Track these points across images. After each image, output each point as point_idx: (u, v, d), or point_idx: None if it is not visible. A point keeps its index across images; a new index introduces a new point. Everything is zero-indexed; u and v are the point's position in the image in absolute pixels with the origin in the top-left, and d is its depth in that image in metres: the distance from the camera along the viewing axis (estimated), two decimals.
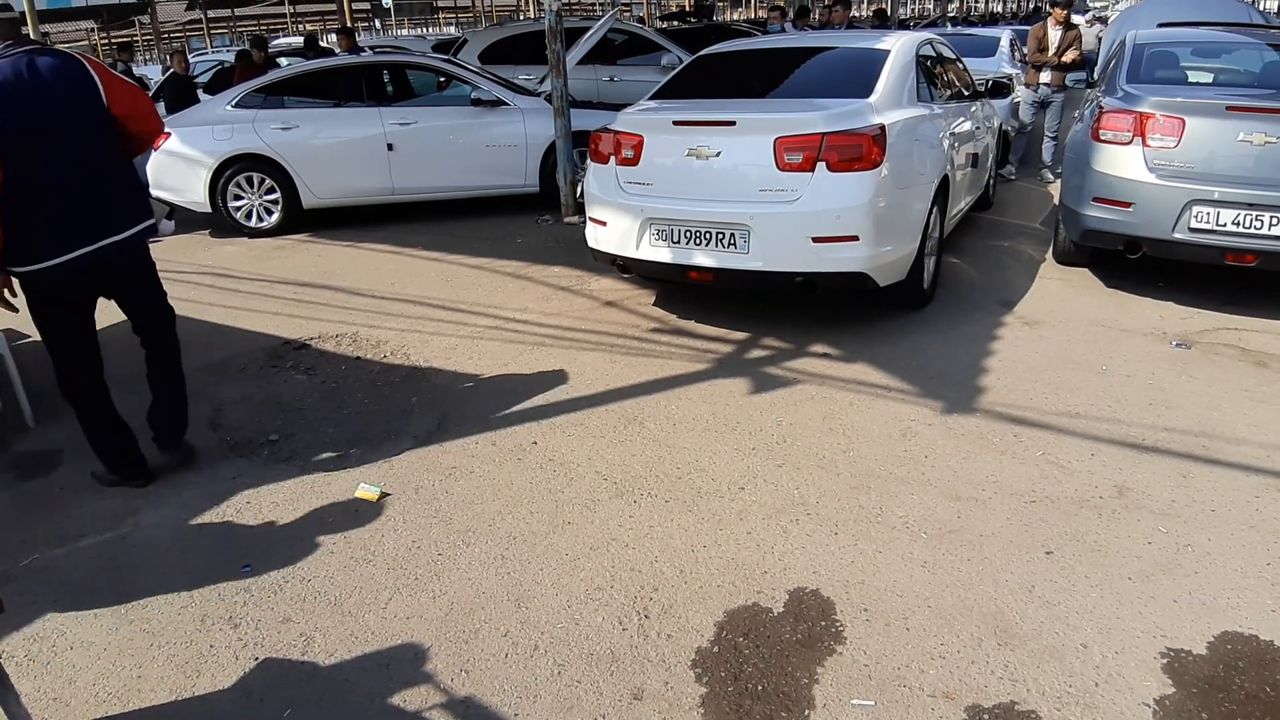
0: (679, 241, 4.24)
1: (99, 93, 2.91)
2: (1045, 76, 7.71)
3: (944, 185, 4.75)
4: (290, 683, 2.27)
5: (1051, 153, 7.94)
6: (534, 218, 7.26)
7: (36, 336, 4.95)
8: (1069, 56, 7.61)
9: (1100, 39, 12.92)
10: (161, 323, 3.31)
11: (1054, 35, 7.67)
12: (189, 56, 11.87)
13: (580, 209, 6.31)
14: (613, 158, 4.48)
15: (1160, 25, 7.06)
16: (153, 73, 15.34)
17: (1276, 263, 4.34)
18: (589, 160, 4.76)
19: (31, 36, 8.82)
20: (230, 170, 7.02)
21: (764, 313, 4.72)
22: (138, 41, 32.27)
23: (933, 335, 4.39)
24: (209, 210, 7.13)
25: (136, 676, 2.32)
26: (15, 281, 2.94)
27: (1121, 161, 4.65)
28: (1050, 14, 7.86)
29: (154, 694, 2.25)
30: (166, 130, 7.10)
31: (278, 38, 22.58)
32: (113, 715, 2.20)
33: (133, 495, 3.21)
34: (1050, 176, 7.87)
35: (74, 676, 2.33)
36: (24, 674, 2.33)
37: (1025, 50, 8.41)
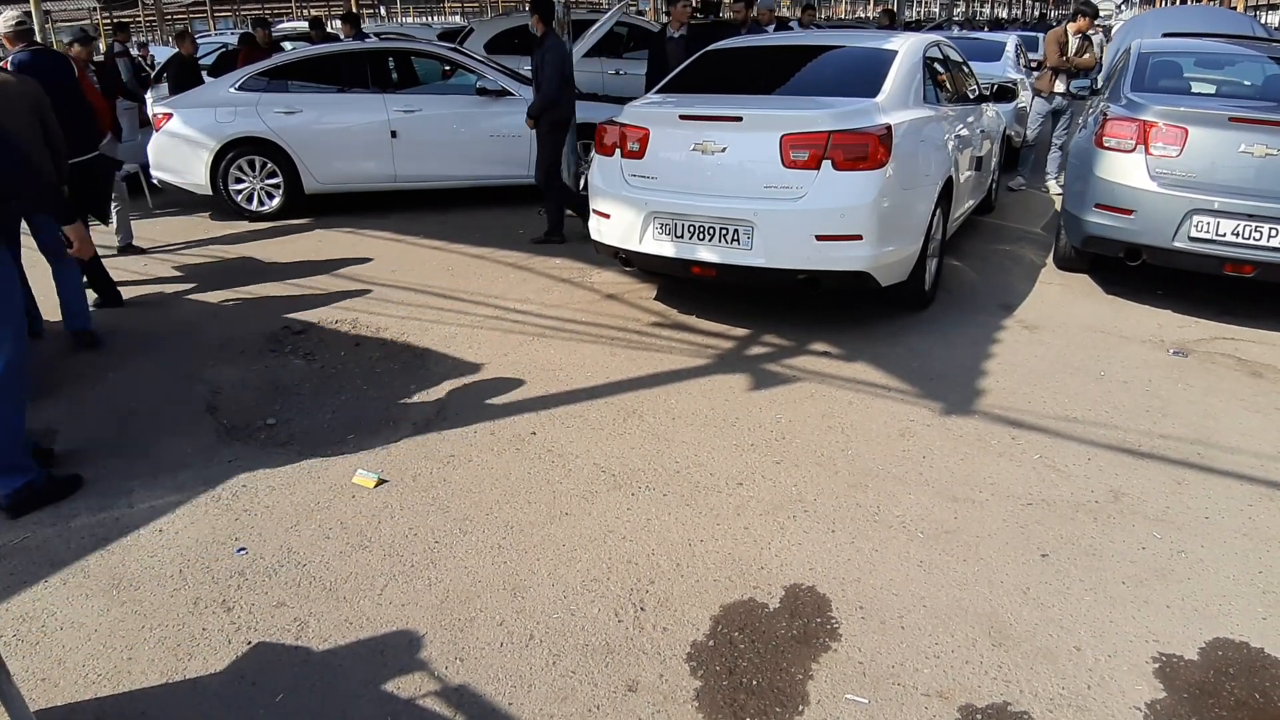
0: (682, 236, 4.24)
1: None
2: (1060, 85, 7.61)
3: (948, 187, 4.75)
4: (283, 667, 2.27)
5: (1058, 163, 7.89)
6: (536, 209, 7.23)
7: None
8: (1087, 60, 7.56)
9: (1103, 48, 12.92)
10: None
11: (1074, 43, 7.62)
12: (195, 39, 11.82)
13: (583, 201, 6.30)
14: (618, 150, 4.48)
15: (1165, 35, 7.08)
16: (160, 54, 15.18)
17: (1274, 274, 4.35)
18: (594, 153, 4.75)
19: (33, 15, 8.83)
20: (232, 153, 6.99)
21: (765, 309, 4.73)
22: (139, 21, 32.06)
23: (933, 336, 4.39)
24: (209, 192, 7.10)
25: (127, 658, 2.30)
26: None
27: (1124, 169, 4.66)
28: (1075, 21, 7.73)
29: (144, 676, 2.24)
30: (168, 111, 7.08)
31: (282, 21, 22.46)
32: (103, 696, 2.19)
33: (127, 476, 3.21)
34: (1057, 187, 7.81)
35: (64, 657, 2.32)
36: (13, 654, 2.31)
37: (1042, 56, 8.25)
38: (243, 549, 2.75)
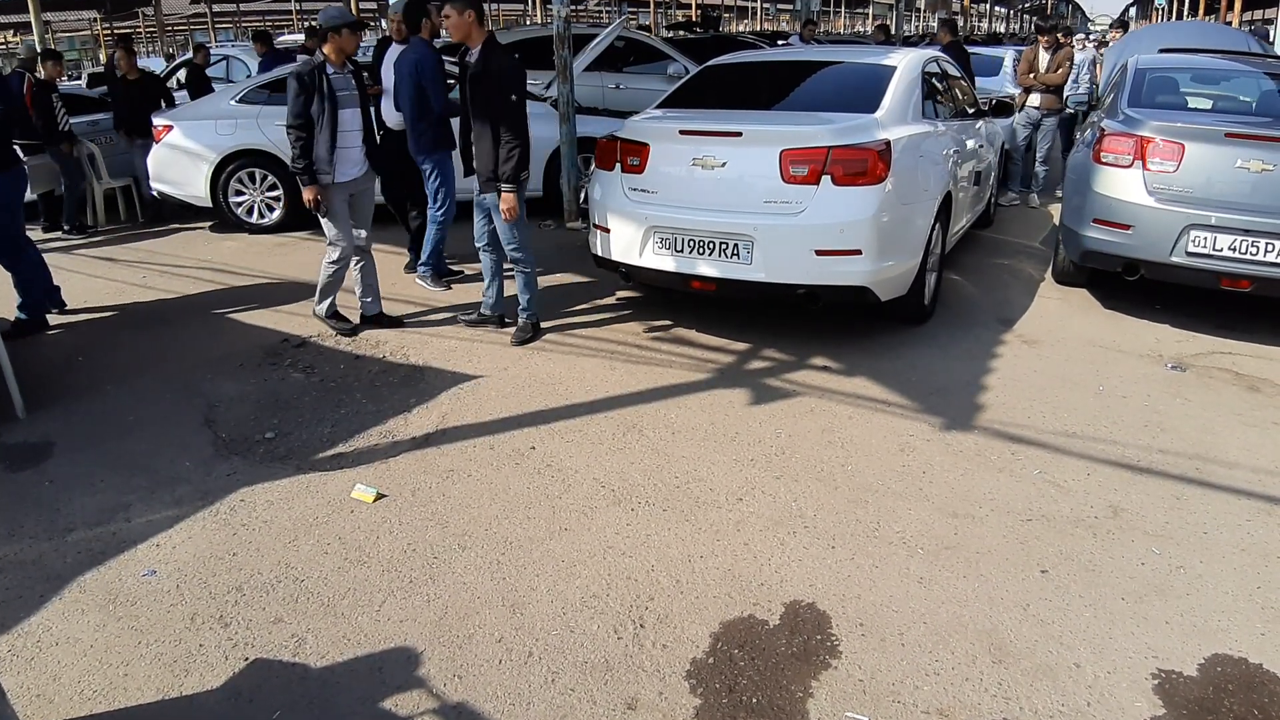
0: (682, 250, 4.24)
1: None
2: (1035, 100, 7.78)
3: (947, 202, 4.77)
4: (280, 684, 2.25)
5: (1044, 178, 8.00)
6: (537, 223, 7.25)
7: None
8: (1056, 77, 7.67)
9: (1092, 63, 13.03)
10: None
11: (1044, 58, 7.77)
12: (210, 50, 11.75)
13: (583, 215, 6.32)
14: (618, 165, 4.49)
15: (1162, 51, 7.13)
16: (156, 65, 15.26)
17: (1272, 288, 4.37)
18: (594, 167, 4.76)
19: (34, 26, 8.84)
20: (232, 165, 7.00)
21: (765, 324, 4.73)
22: (140, 33, 32.20)
23: (932, 351, 4.40)
24: (209, 205, 7.11)
25: (123, 674, 2.29)
26: None
27: (1121, 184, 4.68)
28: (1039, 39, 7.99)
29: (140, 692, 2.23)
30: (168, 123, 7.09)
31: (283, 34, 22.54)
32: (98, 713, 2.17)
33: (125, 490, 3.20)
34: (1036, 200, 7.92)
35: (59, 673, 2.31)
36: (8, 669, 2.30)
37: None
38: (240, 564, 2.74)
